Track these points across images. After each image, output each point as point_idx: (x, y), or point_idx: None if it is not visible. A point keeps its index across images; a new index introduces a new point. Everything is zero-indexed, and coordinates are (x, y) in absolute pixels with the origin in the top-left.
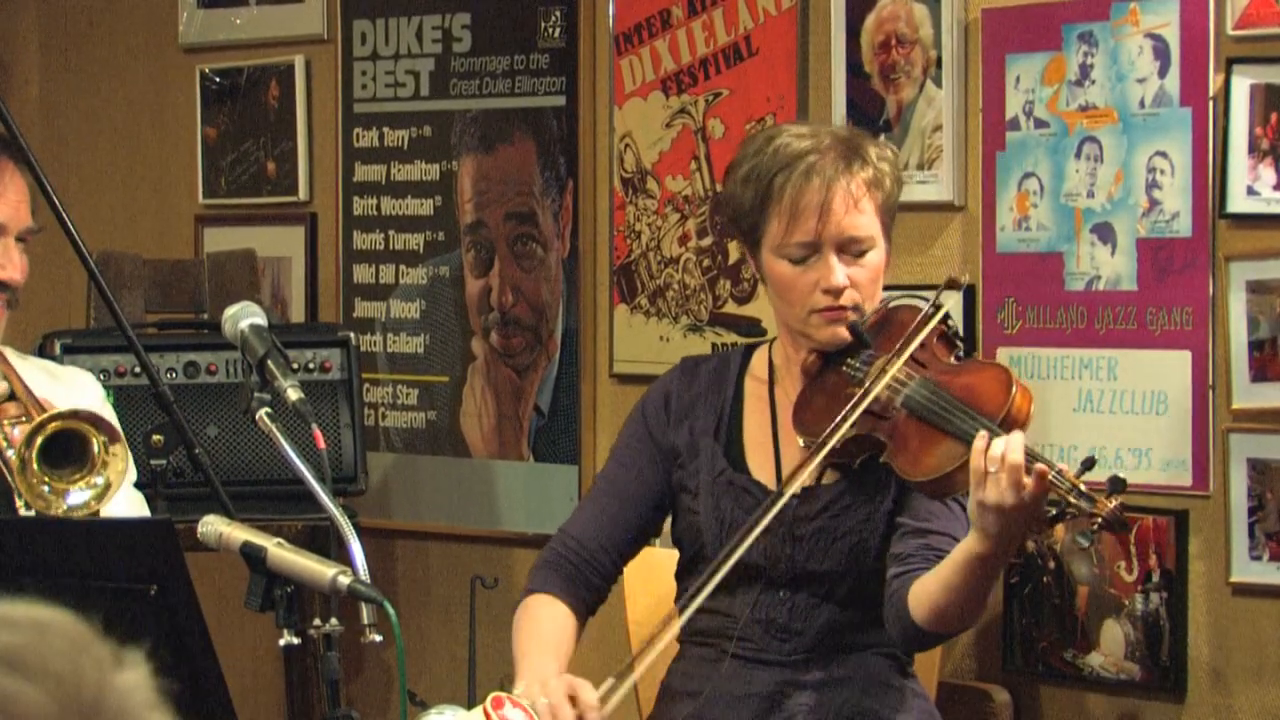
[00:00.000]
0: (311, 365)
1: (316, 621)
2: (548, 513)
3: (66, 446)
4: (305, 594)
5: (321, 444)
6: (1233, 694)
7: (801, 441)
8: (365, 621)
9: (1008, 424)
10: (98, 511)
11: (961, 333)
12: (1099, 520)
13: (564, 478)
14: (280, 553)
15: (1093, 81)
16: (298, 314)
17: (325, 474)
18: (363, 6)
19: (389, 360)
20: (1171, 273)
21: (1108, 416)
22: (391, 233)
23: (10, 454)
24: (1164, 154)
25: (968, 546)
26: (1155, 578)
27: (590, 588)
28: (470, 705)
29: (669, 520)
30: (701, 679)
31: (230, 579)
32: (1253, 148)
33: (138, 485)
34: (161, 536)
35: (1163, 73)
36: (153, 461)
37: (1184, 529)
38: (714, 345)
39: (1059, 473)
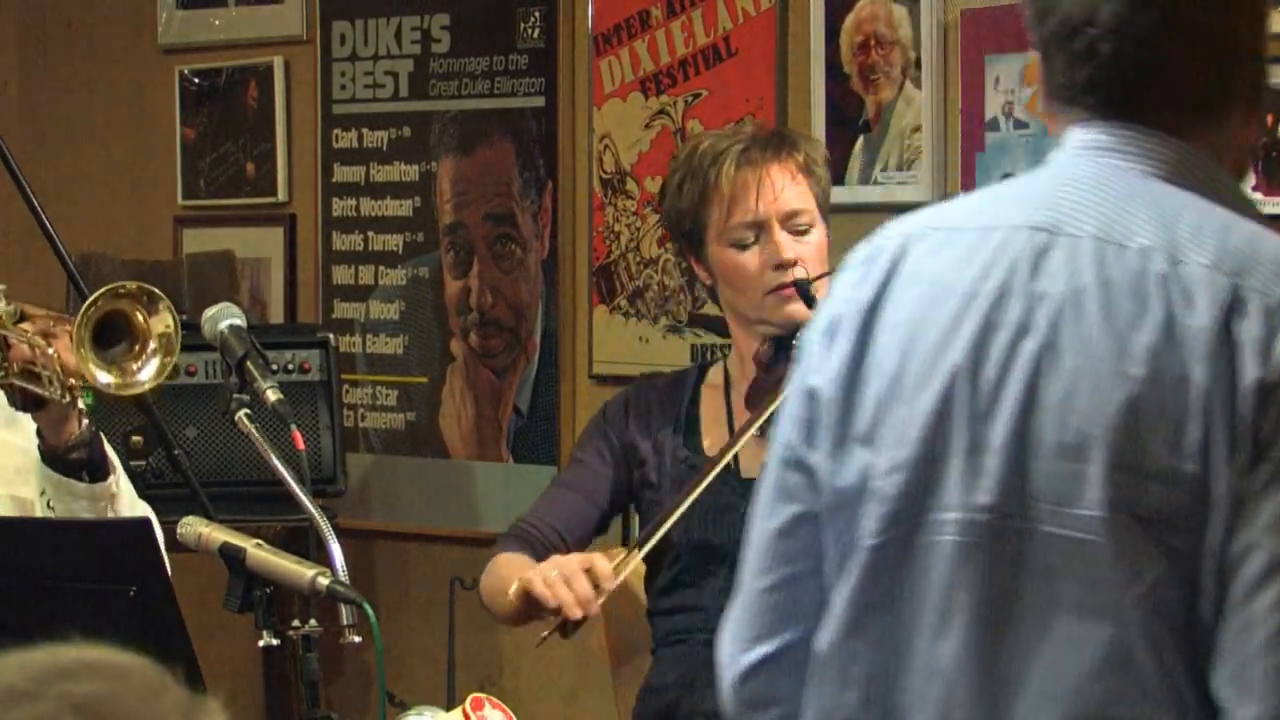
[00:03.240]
0: (290, 366)
1: (295, 622)
2: None
3: (110, 331)
4: (284, 595)
5: (300, 445)
6: None
7: (756, 430)
8: (344, 622)
9: None
10: (168, 366)
11: None
12: None
13: (543, 478)
14: (259, 554)
15: None
16: (277, 315)
17: (304, 475)
18: (342, 7)
19: (368, 361)
20: None
21: None
22: (370, 234)
23: (51, 352)
24: None
25: None
26: None
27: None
28: (449, 706)
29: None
30: (676, 672)
31: (209, 580)
32: None
33: None
34: (140, 537)
35: None
36: (132, 462)
37: None
38: (693, 346)
39: None
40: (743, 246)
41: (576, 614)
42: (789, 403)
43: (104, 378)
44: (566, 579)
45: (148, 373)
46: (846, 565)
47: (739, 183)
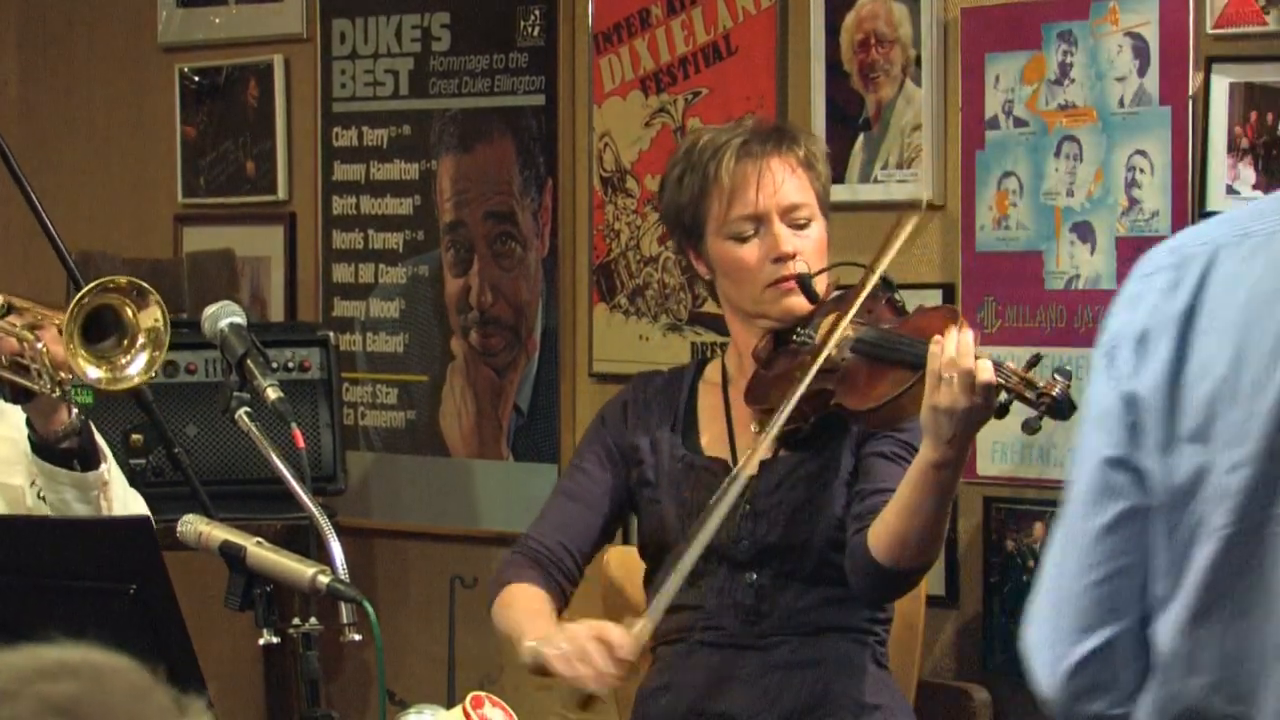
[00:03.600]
0: (291, 364)
1: (296, 621)
2: (527, 512)
3: (100, 324)
4: (284, 593)
5: (301, 443)
6: None
7: (754, 426)
8: (344, 621)
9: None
10: (157, 360)
11: (905, 305)
12: (1046, 401)
13: (543, 477)
14: (259, 552)
15: (1072, 80)
16: (277, 313)
17: (304, 473)
18: (342, 6)
19: (368, 359)
20: None
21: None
22: (371, 232)
23: (40, 346)
24: (1143, 153)
25: (923, 457)
26: None
27: (558, 585)
28: (449, 705)
29: (631, 525)
30: (675, 671)
31: (209, 578)
32: (1232, 146)
33: None
34: (140, 535)
35: (1142, 71)
36: (132, 461)
37: None
38: (693, 345)
39: (1007, 368)
40: (742, 239)
41: (593, 689)
42: (1103, 407)
43: (93, 372)
44: (581, 655)
45: (136, 367)
46: (1190, 556)
47: (739, 175)
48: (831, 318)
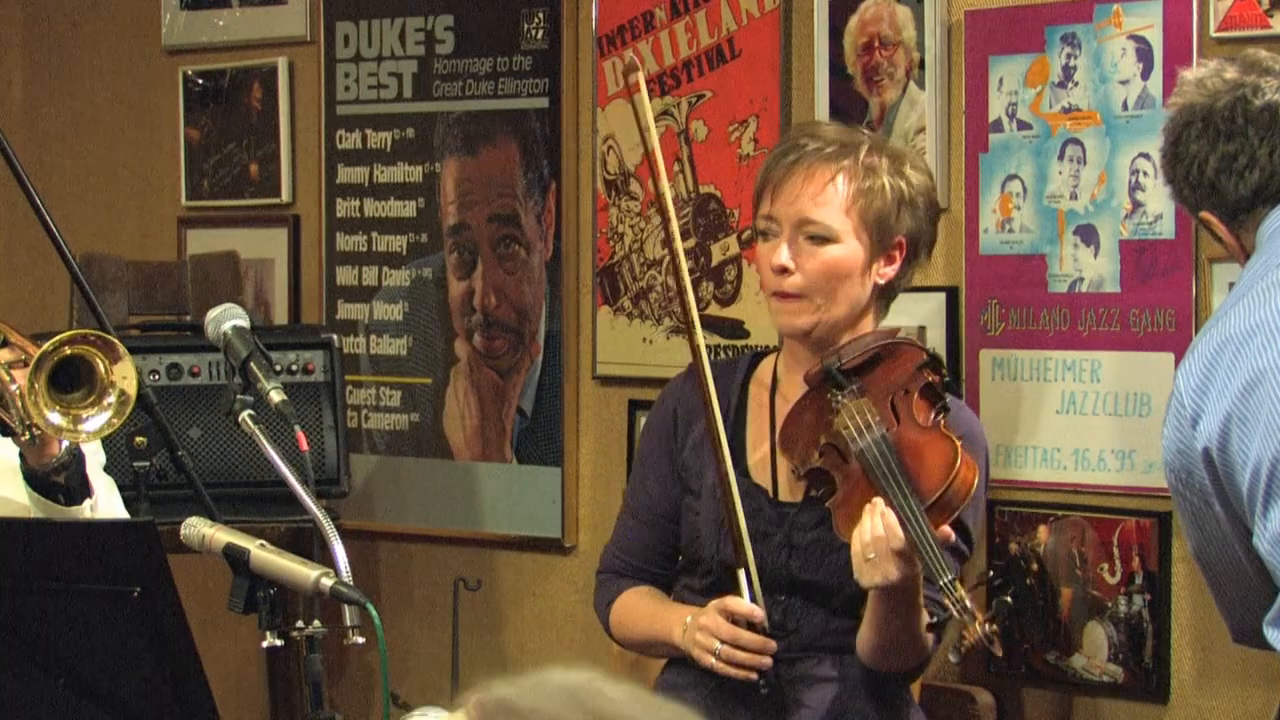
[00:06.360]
0: (294, 367)
1: (299, 623)
2: (530, 515)
3: (72, 374)
4: (288, 596)
5: (304, 446)
6: (1215, 696)
7: (789, 465)
8: (348, 623)
9: (942, 504)
10: (115, 426)
11: (950, 380)
12: (965, 645)
13: (547, 479)
14: (263, 555)
15: (1076, 83)
16: (281, 316)
17: (308, 476)
18: (345, 8)
19: (372, 362)
20: (1154, 274)
21: (1091, 418)
22: (374, 235)
23: (14, 388)
24: (1147, 156)
25: (874, 594)
26: (1138, 580)
27: (654, 581)
28: (453, 707)
29: None
30: (695, 676)
31: (213, 581)
32: None
33: (121, 488)
34: (144, 538)
35: (1146, 74)
36: (136, 463)
37: (1167, 531)
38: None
39: (950, 582)
40: (764, 237)
41: (767, 664)
42: None
43: (54, 418)
44: (732, 642)
45: (93, 425)
46: None
47: (774, 178)
48: (864, 403)
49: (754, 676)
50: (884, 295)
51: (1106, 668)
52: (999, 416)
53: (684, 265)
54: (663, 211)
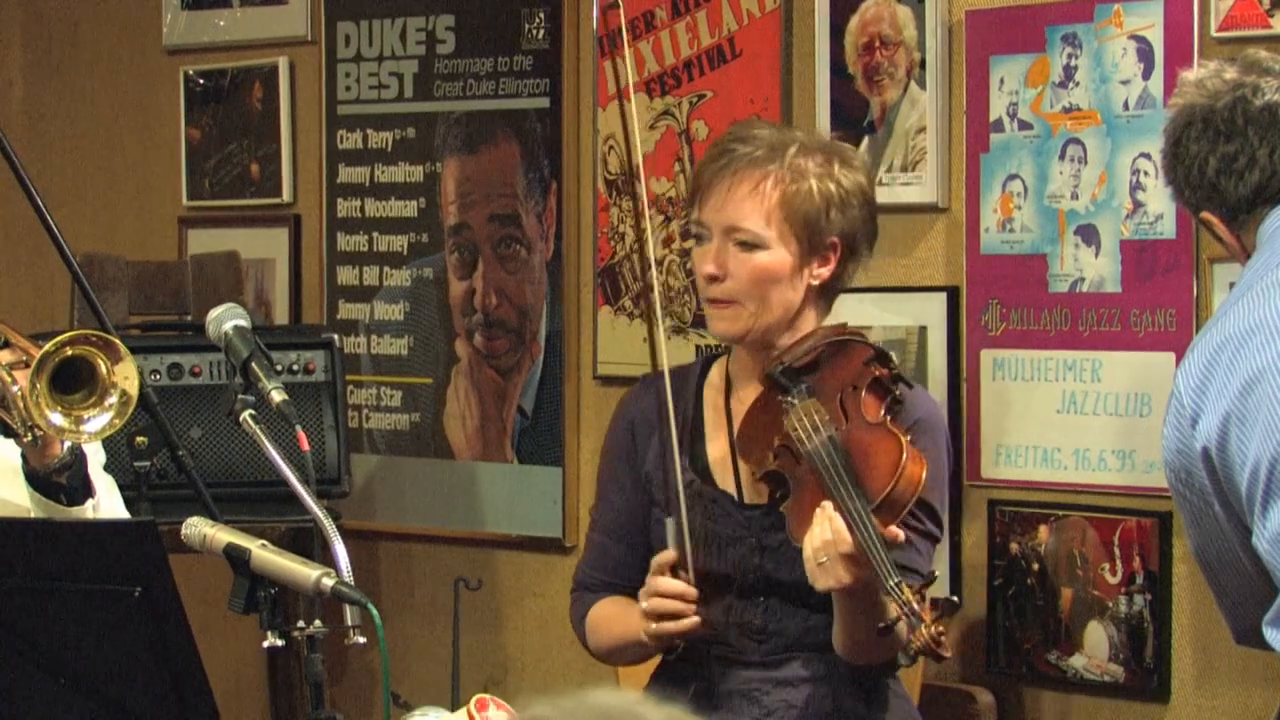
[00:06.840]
0: (295, 367)
1: (300, 623)
2: (531, 514)
3: (74, 374)
4: (289, 596)
5: (305, 446)
6: (1216, 696)
7: (749, 468)
8: (349, 623)
9: (889, 503)
10: (116, 427)
11: (899, 372)
12: (913, 647)
13: (547, 479)
14: (264, 555)
15: (1076, 83)
16: (281, 316)
17: (309, 476)
18: (346, 8)
19: (373, 362)
20: (1155, 274)
21: (1091, 418)
22: (375, 234)
23: (16, 389)
24: (1147, 155)
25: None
26: (1139, 579)
27: (625, 593)
28: (454, 707)
29: None
30: (682, 680)
31: (214, 581)
32: None
33: (121, 487)
34: (145, 538)
35: (1146, 74)
36: (136, 463)
37: (1167, 531)
38: (697, 347)
39: (896, 584)
40: (697, 241)
41: (689, 610)
42: None
43: (56, 419)
44: (652, 592)
45: (94, 426)
46: None
47: (703, 182)
48: (812, 404)
49: (685, 627)
50: (823, 294)
51: (1107, 667)
52: (999, 416)
53: (651, 248)
54: (632, 187)
